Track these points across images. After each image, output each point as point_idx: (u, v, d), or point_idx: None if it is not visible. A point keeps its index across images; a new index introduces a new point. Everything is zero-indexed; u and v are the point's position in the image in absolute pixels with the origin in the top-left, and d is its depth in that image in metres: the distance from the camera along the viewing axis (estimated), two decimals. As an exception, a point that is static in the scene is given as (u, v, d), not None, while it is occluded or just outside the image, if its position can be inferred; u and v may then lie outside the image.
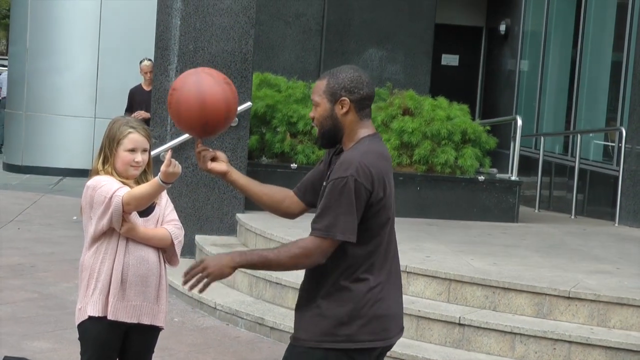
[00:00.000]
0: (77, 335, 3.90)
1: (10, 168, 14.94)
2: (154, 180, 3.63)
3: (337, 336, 3.10)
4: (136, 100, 10.58)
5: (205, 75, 3.24)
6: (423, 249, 7.14)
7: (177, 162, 3.59)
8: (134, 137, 3.83)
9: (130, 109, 10.54)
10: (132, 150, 3.83)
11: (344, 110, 3.15)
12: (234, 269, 3.11)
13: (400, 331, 3.28)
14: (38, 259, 8.34)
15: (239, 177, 3.42)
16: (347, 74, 3.16)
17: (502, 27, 14.31)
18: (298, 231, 7.56)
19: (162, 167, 3.56)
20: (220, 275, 3.08)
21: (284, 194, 3.43)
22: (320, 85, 3.19)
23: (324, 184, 3.14)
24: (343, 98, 3.14)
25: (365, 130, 3.18)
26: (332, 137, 3.19)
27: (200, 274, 3.08)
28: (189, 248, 7.83)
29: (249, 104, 8.41)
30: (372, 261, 3.13)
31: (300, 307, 3.23)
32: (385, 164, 3.13)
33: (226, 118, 3.24)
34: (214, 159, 3.38)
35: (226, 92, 3.22)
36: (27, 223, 10.08)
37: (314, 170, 3.39)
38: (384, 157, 3.14)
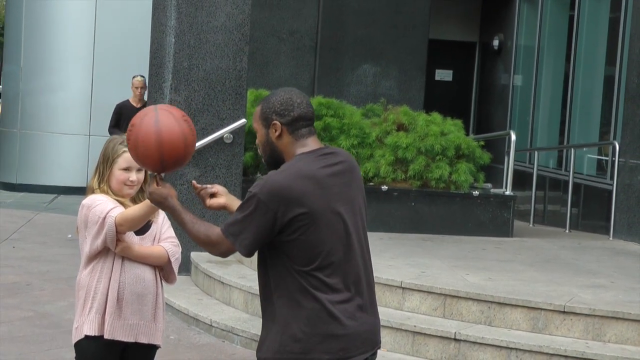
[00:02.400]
0: (74, 354, 3.90)
1: (5, 186, 14.93)
2: (146, 202, 3.63)
3: (293, 353, 3.10)
4: (124, 115, 10.54)
5: (164, 112, 3.28)
6: (418, 265, 7.15)
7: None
8: (129, 156, 3.81)
9: (117, 125, 10.49)
10: (127, 169, 3.84)
11: (277, 133, 3.16)
12: (167, 207, 3.26)
13: (370, 349, 3.22)
14: (33, 277, 8.32)
15: None
16: (277, 97, 3.18)
17: (496, 42, 14.38)
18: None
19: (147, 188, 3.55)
20: (156, 200, 3.28)
21: None
22: (256, 111, 3.22)
23: None
24: (274, 122, 3.16)
25: (301, 149, 3.17)
26: (274, 161, 3.21)
27: (150, 189, 3.29)
28: (185, 265, 7.82)
29: (243, 120, 8.43)
30: (323, 278, 3.10)
31: (262, 323, 3.25)
32: (305, 182, 3.08)
33: (185, 155, 3.28)
34: (213, 195, 3.43)
35: (184, 129, 3.26)
36: (22, 241, 10.07)
37: None
38: (306, 175, 3.09)
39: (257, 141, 3.26)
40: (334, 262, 3.12)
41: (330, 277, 3.11)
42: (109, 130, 10.72)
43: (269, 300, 3.17)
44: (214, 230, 3.16)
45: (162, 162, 3.24)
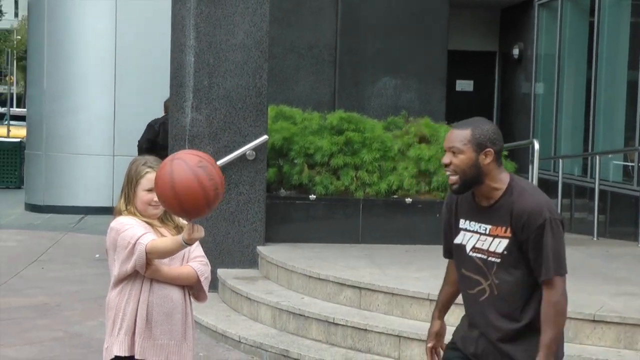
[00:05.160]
0: (105, 375, 3.92)
1: (32, 208, 15.07)
2: (177, 239, 3.63)
3: None
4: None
5: (178, 162, 3.46)
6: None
7: (199, 227, 3.59)
8: (152, 177, 3.79)
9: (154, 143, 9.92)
10: (151, 190, 3.82)
11: (488, 160, 3.36)
12: None
13: None
14: (63, 297, 8.37)
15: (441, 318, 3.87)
16: (489, 126, 3.40)
17: (516, 51, 14.34)
18: (318, 262, 7.57)
19: (185, 233, 3.59)
20: None
21: (452, 276, 3.68)
22: (464, 134, 3.36)
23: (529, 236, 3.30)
24: (488, 149, 3.35)
25: (505, 175, 3.42)
26: (472, 184, 3.39)
27: None
28: (212, 282, 7.77)
29: (265, 137, 8.46)
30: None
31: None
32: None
33: (205, 200, 3.42)
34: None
35: (199, 176, 3.41)
36: (50, 262, 10.13)
37: (445, 226, 3.59)
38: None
39: (448, 160, 3.37)
40: None
41: None
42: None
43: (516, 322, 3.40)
44: (554, 295, 3.30)
45: (185, 211, 3.45)
